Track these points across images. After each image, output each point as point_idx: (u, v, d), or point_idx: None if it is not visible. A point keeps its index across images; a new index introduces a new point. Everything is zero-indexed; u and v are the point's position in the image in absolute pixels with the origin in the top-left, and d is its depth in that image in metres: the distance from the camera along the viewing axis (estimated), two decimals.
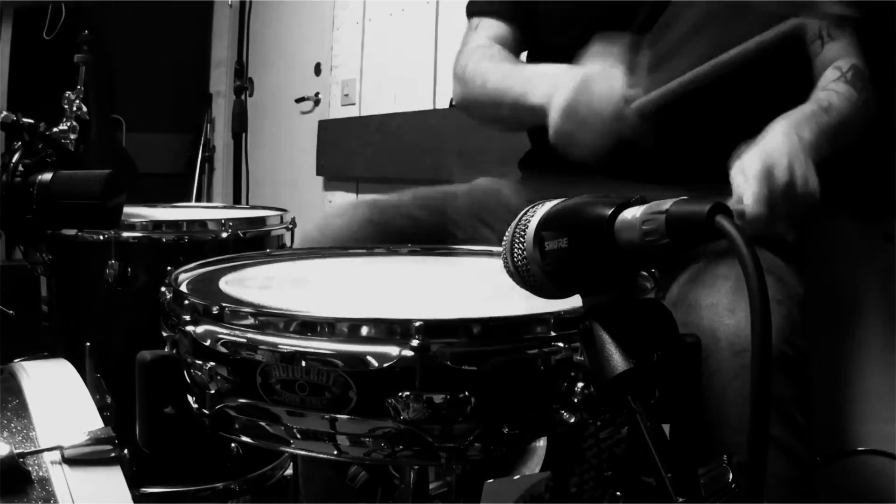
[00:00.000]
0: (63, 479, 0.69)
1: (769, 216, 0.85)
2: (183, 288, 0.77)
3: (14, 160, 0.89)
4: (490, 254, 1.04)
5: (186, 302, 0.70)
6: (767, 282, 0.46)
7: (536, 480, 0.70)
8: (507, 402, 0.62)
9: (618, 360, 0.53)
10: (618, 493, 0.92)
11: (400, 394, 0.59)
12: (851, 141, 1.03)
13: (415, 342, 0.58)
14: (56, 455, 0.71)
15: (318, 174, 2.87)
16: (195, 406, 0.68)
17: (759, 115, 0.97)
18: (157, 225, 1.30)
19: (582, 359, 0.61)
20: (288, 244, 1.47)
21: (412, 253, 1.07)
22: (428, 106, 2.30)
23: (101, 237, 1.26)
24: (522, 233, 0.58)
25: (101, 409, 0.81)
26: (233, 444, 1.30)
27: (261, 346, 0.63)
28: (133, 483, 0.72)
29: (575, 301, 0.59)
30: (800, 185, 0.87)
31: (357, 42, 2.67)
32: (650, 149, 1.05)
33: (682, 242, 0.51)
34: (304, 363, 0.61)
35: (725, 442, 0.85)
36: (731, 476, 0.57)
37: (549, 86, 1.00)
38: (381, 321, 0.61)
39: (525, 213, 0.60)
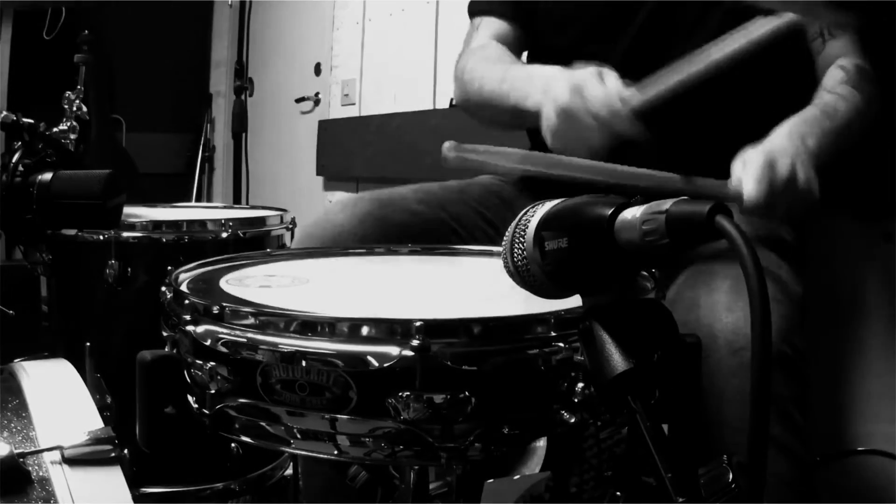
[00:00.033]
0: (63, 479, 0.69)
1: (767, 204, 0.85)
2: (183, 288, 0.77)
3: (14, 160, 0.89)
4: (490, 254, 1.04)
5: (187, 302, 0.70)
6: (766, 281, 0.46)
7: (536, 480, 0.70)
8: (508, 402, 0.62)
9: (618, 360, 0.53)
10: (618, 493, 0.92)
11: (400, 394, 0.59)
12: (853, 142, 1.03)
13: (415, 342, 0.59)
14: (56, 455, 0.71)
15: (318, 174, 2.87)
16: (195, 406, 0.68)
17: (763, 118, 0.97)
18: (157, 225, 1.30)
19: (582, 359, 0.61)
20: (288, 244, 1.47)
21: (412, 253, 1.07)
22: (428, 106, 2.30)
23: (101, 237, 1.26)
24: (522, 233, 0.58)
25: (101, 409, 0.81)
26: (233, 444, 1.30)
27: (261, 346, 0.63)
28: (133, 483, 0.72)
29: (575, 301, 0.59)
30: (801, 181, 0.87)
31: (357, 42, 2.67)
32: (649, 150, 1.06)
33: (683, 242, 0.51)
34: (304, 363, 0.61)
35: (724, 441, 0.85)
36: (731, 476, 0.57)
37: (543, 90, 1.00)
38: (382, 321, 0.61)
39: (525, 213, 0.60)
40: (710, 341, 0.85)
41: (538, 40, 1.26)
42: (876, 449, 1.29)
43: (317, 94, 2.99)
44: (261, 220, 1.42)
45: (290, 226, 1.47)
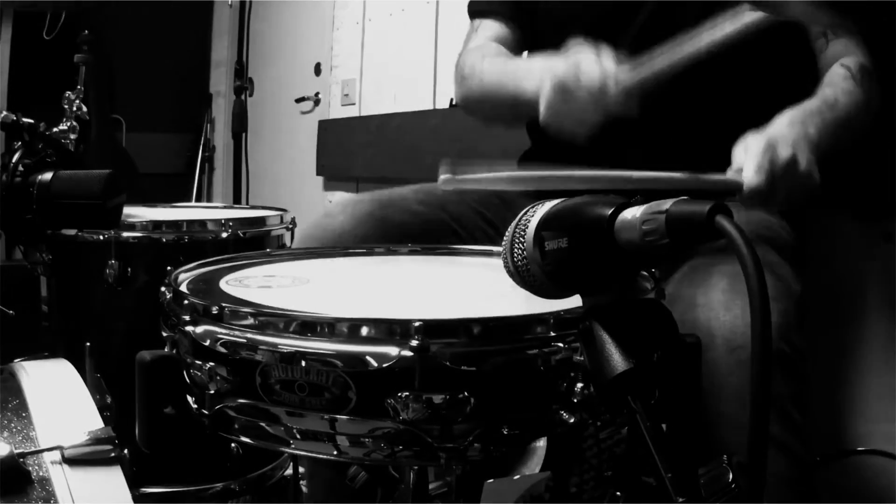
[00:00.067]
0: (63, 479, 0.69)
1: (768, 189, 0.85)
2: (183, 288, 0.77)
3: (14, 160, 0.89)
4: (490, 254, 1.04)
5: (186, 302, 0.70)
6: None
7: (536, 480, 0.70)
8: (507, 402, 0.62)
9: (618, 360, 0.53)
10: (618, 493, 0.92)
11: (399, 394, 0.59)
12: (853, 138, 1.03)
13: (414, 342, 0.58)
14: (56, 455, 0.71)
15: (318, 174, 2.87)
16: (195, 406, 0.68)
17: (764, 106, 0.97)
18: (157, 225, 1.30)
19: (582, 359, 0.61)
20: (288, 244, 1.47)
21: (412, 253, 1.07)
22: (428, 106, 2.30)
23: (101, 237, 1.26)
24: (522, 233, 0.58)
25: (101, 409, 0.81)
26: (232, 445, 1.30)
27: (260, 347, 0.63)
28: (133, 483, 0.72)
29: (575, 301, 0.59)
30: (802, 167, 0.88)
31: (357, 42, 2.67)
32: (641, 130, 1.06)
33: (683, 242, 0.51)
34: (303, 363, 0.61)
35: (722, 438, 0.85)
36: (731, 476, 0.57)
37: (541, 75, 1.01)
38: (381, 321, 0.61)
39: (525, 213, 0.60)
40: (707, 339, 0.85)
41: (538, 41, 1.26)
42: (876, 449, 1.28)
43: (317, 94, 2.99)
44: (261, 220, 1.42)
45: (290, 226, 1.47)
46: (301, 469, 1.23)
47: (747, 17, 0.88)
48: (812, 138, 0.92)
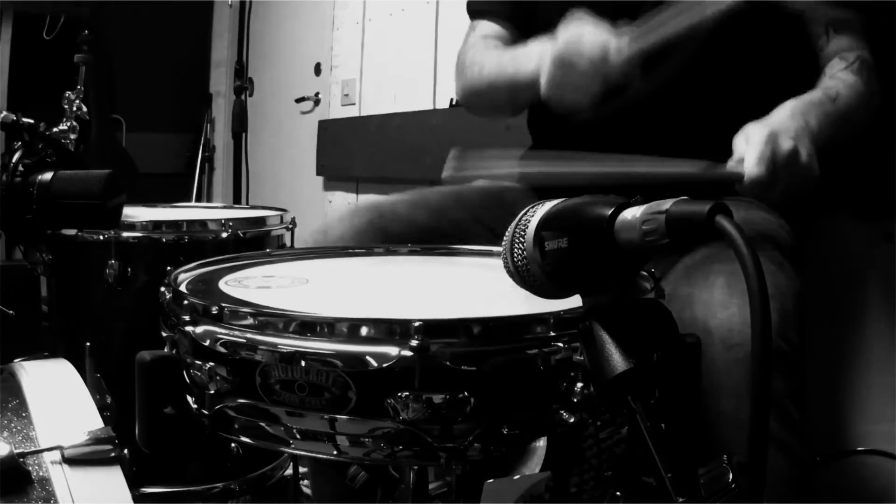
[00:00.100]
0: (63, 479, 0.69)
1: (769, 180, 0.85)
2: (182, 288, 0.77)
3: (14, 160, 0.89)
4: (490, 254, 1.04)
5: (186, 302, 0.70)
6: None
7: (536, 480, 0.70)
8: (507, 402, 0.62)
9: (618, 360, 0.53)
10: (618, 493, 0.92)
11: (399, 394, 0.59)
12: (854, 133, 1.04)
13: (414, 342, 0.58)
14: (56, 455, 0.71)
15: (318, 174, 2.87)
16: (195, 406, 0.68)
17: (764, 97, 0.98)
18: (157, 225, 1.30)
19: (582, 359, 0.61)
20: (288, 244, 1.47)
21: (412, 253, 1.07)
22: (428, 106, 2.30)
23: (101, 237, 1.26)
24: (522, 233, 0.58)
25: (101, 409, 0.80)
26: (232, 445, 1.30)
27: (260, 347, 0.63)
28: (133, 483, 0.72)
29: (575, 301, 0.59)
30: (803, 158, 0.88)
31: (357, 42, 2.67)
32: (641, 121, 1.06)
33: (683, 242, 0.51)
34: (303, 363, 0.61)
35: (719, 436, 0.85)
36: (731, 476, 0.57)
37: (541, 54, 1.03)
38: (381, 321, 0.61)
39: (525, 213, 0.60)
40: (705, 337, 0.85)
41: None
42: (876, 449, 1.28)
43: (317, 94, 2.99)
44: (261, 220, 1.42)
45: (290, 226, 1.47)
46: (301, 469, 1.23)
47: None
48: (813, 130, 0.92)
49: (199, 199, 3.55)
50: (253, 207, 1.74)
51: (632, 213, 0.52)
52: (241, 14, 3.05)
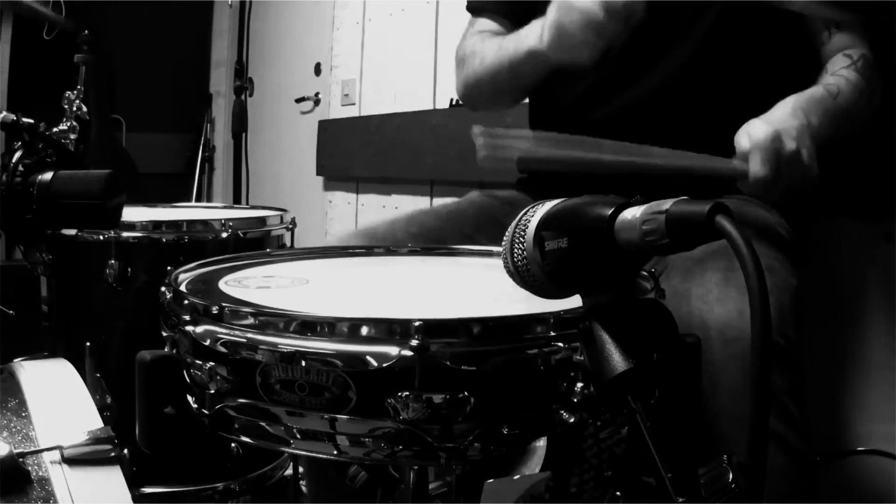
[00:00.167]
0: (63, 479, 0.69)
1: (773, 180, 0.86)
2: (183, 288, 0.77)
3: (14, 160, 0.89)
4: (490, 254, 1.04)
5: (186, 302, 0.70)
6: None
7: (536, 480, 0.70)
8: (507, 402, 0.62)
9: (618, 360, 0.53)
10: (618, 493, 0.92)
11: (399, 394, 0.59)
12: (854, 130, 1.04)
13: (414, 342, 0.58)
14: (56, 455, 0.71)
15: (318, 174, 2.87)
16: (195, 406, 0.68)
17: (765, 93, 0.98)
18: (157, 225, 1.30)
19: (582, 359, 0.61)
20: (288, 244, 1.47)
21: (412, 253, 1.07)
22: (428, 106, 2.30)
23: (101, 237, 1.26)
24: (522, 233, 0.58)
25: (101, 409, 0.81)
26: (233, 444, 1.30)
27: (260, 346, 0.63)
28: (133, 483, 0.72)
29: (575, 301, 0.59)
30: (805, 159, 0.89)
31: (357, 42, 2.67)
32: (644, 116, 1.06)
33: (683, 242, 0.51)
34: (303, 363, 0.61)
35: (717, 432, 0.85)
36: (731, 476, 0.57)
37: (540, 26, 1.04)
38: (381, 321, 0.61)
39: (525, 213, 0.60)
40: (702, 333, 0.86)
41: None
42: (876, 449, 1.28)
43: (317, 94, 2.99)
44: (261, 220, 1.42)
45: (290, 226, 1.47)
46: (301, 469, 1.23)
47: None
48: (814, 127, 0.93)
49: (199, 199, 3.55)
50: (253, 207, 1.74)
51: (632, 213, 0.52)
52: (241, 14, 3.05)
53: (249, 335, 0.64)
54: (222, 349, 0.65)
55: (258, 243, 1.40)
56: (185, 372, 0.68)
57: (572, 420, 0.64)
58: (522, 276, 0.59)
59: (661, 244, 0.51)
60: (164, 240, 1.30)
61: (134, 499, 0.70)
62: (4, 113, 0.93)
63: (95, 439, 0.72)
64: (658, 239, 0.50)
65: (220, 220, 1.33)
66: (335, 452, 0.63)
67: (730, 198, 1.04)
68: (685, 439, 0.76)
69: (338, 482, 0.93)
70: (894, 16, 1.15)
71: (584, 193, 0.58)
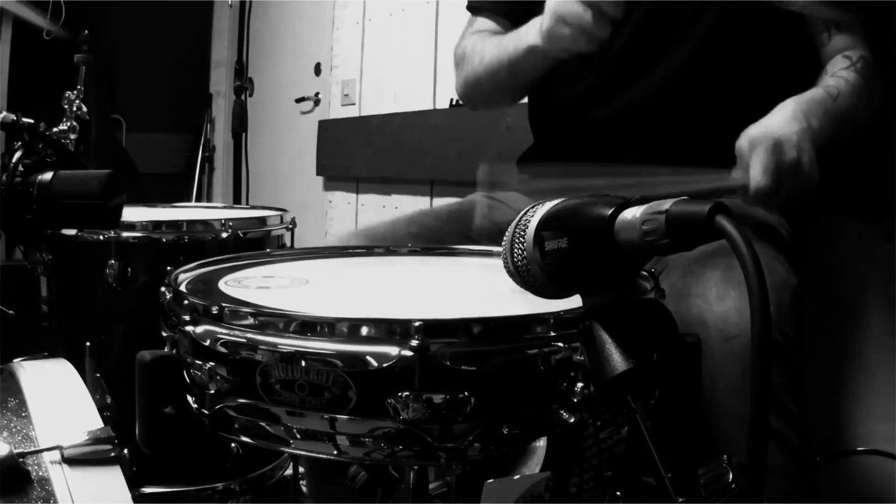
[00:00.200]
0: (63, 479, 0.69)
1: (774, 189, 0.86)
2: (183, 288, 0.77)
3: (14, 160, 0.89)
4: (490, 254, 1.04)
5: (186, 302, 0.70)
6: None
7: (536, 480, 0.70)
8: (507, 402, 0.62)
9: (618, 360, 0.53)
10: (618, 493, 0.92)
11: (399, 394, 0.59)
12: (854, 132, 1.04)
13: (414, 342, 0.58)
14: (56, 455, 0.71)
15: (318, 174, 2.87)
16: (195, 406, 0.68)
17: (764, 96, 0.98)
18: (157, 225, 1.30)
19: (582, 359, 0.61)
20: (288, 244, 1.47)
21: (412, 253, 1.07)
22: (428, 106, 2.30)
23: (101, 237, 1.26)
24: (522, 233, 0.58)
25: (101, 409, 0.81)
26: (233, 444, 1.30)
27: (260, 346, 0.63)
28: (133, 483, 0.73)
29: (575, 301, 0.59)
30: (806, 166, 0.89)
31: (357, 42, 2.67)
32: (644, 122, 1.07)
33: (683, 242, 0.51)
34: (303, 363, 0.61)
35: (716, 429, 0.85)
36: (731, 476, 0.57)
37: (538, 23, 1.05)
38: (381, 321, 0.61)
39: (525, 213, 0.59)
40: (700, 330, 0.86)
41: None
42: (876, 449, 1.28)
43: (317, 94, 2.99)
44: (261, 221, 1.42)
45: (290, 226, 1.47)
46: (301, 469, 1.23)
47: None
48: (815, 130, 0.93)
49: (199, 199, 3.55)
50: (253, 207, 1.74)
51: (632, 213, 0.52)
52: (241, 14, 3.04)
53: (249, 335, 0.64)
54: (222, 349, 0.65)
55: (258, 243, 1.40)
56: (185, 372, 0.68)
57: (572, 420, 0.64)
58: (522, 276, 0.59)
59: (661, 244, 0.51)
60: (164, 240, 1.30)
61: (134, 499, 0.70)
62: (4, 113, 0.93)
63: (95, 439, 0.72)
64: (658, 239, 0.50)
65: (220, 220, 1.33)
66: (335, 452, 0.63)
67: (728, 196, 1.04)
68: (685, 439, 0.76)
69: (338, 482, 0.93)
70: (894, 16, 1.15)
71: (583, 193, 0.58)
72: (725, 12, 1.09)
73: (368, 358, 0.60)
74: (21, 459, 0.69)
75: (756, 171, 0.86)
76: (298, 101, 3.06)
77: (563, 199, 0.58)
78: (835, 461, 1.32)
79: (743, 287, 0.46)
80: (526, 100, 1.33)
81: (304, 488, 1.19)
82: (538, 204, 0.59)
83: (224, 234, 1.31)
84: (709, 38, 1.09)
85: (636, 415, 0.52)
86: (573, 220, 0.56)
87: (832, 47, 1.08)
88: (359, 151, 2.58)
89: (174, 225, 1.31)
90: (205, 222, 1.33)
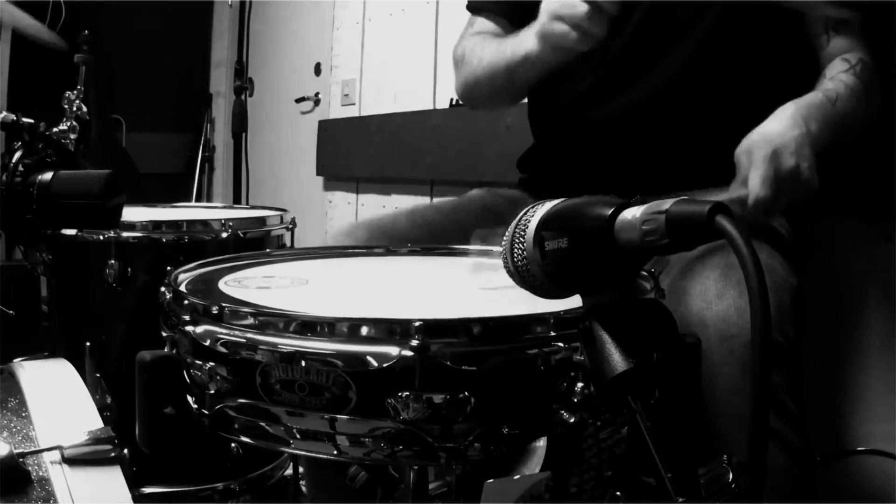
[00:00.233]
0: (63, 479, 0.69)
1: (774, 200, 0.86)
2: (183, 288, 0.77)
3: (14, 160, 0.89)
4: (490, 254, 1.04)
5: (186, 302, 0.70)
6: None
7: (536, 480, 0.70)
8: (507, 402, 0.62)
9: (618, 360, 0.53)
10: (618, 493, 0.92)
11: (399, 394, 0.59)
12: (853, 135, 1.04)
13: (414, 342, 0.58)
14: (56, 455, 0.71)
15: (318, 174, 2.87)
16: (195, 406, 0.68)
17: (764, 93, 0.98)
18: (157, 225, 1.29)
19: (582, 359, 0.61)
20: (288, 244, 1.47)
21: (412, 253, 1.07)
22: (428, 106, 2.30)
23: (101, 237, 1.26)
24: (522, 233, 0.58)
25: (101, 409, 0.81)
26: (233, 444, 1.30)
27: (260, 346, 0.63)
28: (133, 483, 0.73)
29: (575, 301, 0.59)
30: (804, 173, 0.88)
31: (357, 42, 2.67)
32: (644, 132, 1.07)
33: (683, 242, 0.51)
34: (303, 363, 0.61)
35: (715, 429, 0.85)
36: (731, 476, 0.57)
37: (535, 27, 1.05)
38: (381, 321, 0.61)
39: (525, 213, 0.59)
40: (700, 330, 0.86)
41: None
42: (876, 449, 1.28)
43: (317, 94, 2.99)
44: (261, 221, 1.42)
45: (290, 226, 1.47)
46: (301, 469, 1.23)
47: None
48: (814, 135, 0.93)
49: (199, 199, 3.55)
50: (253, 207, 1.74)
51: (632, 213, 0.52)
52: (241, 14, 3.04)
53: (249, 335, 0.64)
54: (222, 349, 0.65)
55: (258, 243, 1.40)
56: (185, 372, 0.68)
57: (572, 420, 0.64)
58: (522, 276, 0.59)
59: (661, 244, 0.51)
60: (164, 240, 1.29)
61: (134, 499, 0.70)
62: (4, 113, 0.93)
63: (95, 439, 0.72)
64: (658, 239, 0.51)
65: (220, 220, 1.33)
66: (335, 452, 0.63)
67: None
68: (685, 439, 0.76)
69: (338, 482, 0.93)
70: (894, 16, 1.15)
71: (584, 193, 0.58)
72: (726, 12, 1.09)
73: (368, 358, 0.60)
74: (21, 459, 0.69)
75: (755, 183, 0.86)
76: (298, 101, 3.06)
77: (563, 199, 0.58)
78: (835, 461, 1.32)
79: (742, 286, 0.46)
80: (526, 100, 1.33)
81: (304, 488, 1.19)
82: (538, 204, 0.59)
83: (224, 234, 1.31)
84: (709, 38, 1.09)
85: (636, 415, 0.52)
86: (573, 220, 0.56)
87: (831, 50, 1.08)
88: (359, 151, 2.58)
89: (174, 225, 1.31)
90: (205, 222, 1.33)
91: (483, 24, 1.27)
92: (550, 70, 1.11)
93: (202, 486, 1.32)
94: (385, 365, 0.59)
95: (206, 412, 0.66)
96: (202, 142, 3.64)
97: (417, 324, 0.59)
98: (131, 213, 1.33)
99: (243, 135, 2.74)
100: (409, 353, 0.59)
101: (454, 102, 2.14)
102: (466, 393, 0.59)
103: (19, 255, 1.45)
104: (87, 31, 2.63)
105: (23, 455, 0.70)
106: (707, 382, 0.85)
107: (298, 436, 0.63)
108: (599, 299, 0.56)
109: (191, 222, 1.33)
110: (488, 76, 1.19)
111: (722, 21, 1.09)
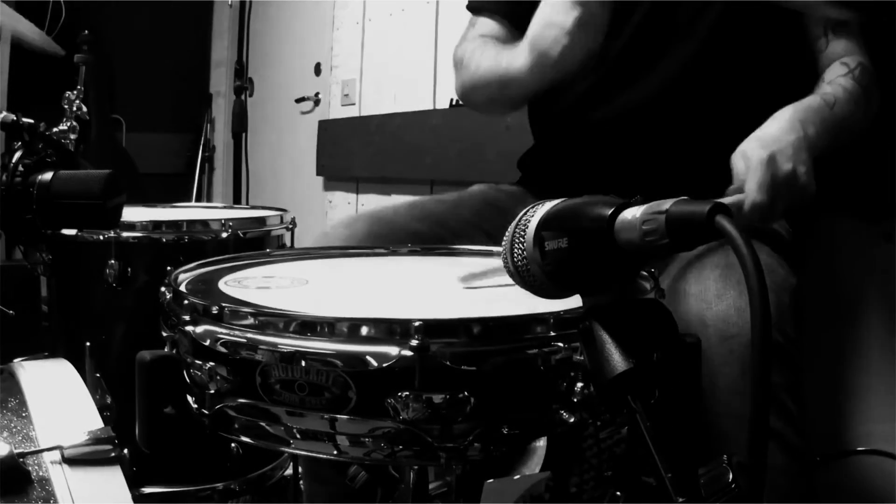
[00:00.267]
0: (63, 479, 0.69)
1: (770, 205, 0.86)
2: (183, 288, 0.77)
3: (14, 160, 0.89)
4: (490, 254, 1.04)
5: (186, 302, 0.70)
6: None
7: (536, 480, 0.70)
8: (507, 402, 0.62)
9: (618, 360, 0.53)
10: (618, 493, 0.92)
11: (399, 394, 0.59)
12: (851, 139, 1.04)
13: (414, 342, 0.58)
14: (56, 455, 0.71)
15: (318, 174, 2.87)
16: (195, 406, 0.68)
17: (762, 96, 0.98)
18: (157, 225, 1.30)
19: (582, 359, 0.61)
20: (288, 244, 1.47)
21: (412, 253, 1.07)
22: (428, 106, 2.30)
23: (101, 237, 1.26)
24: (522, 233, 0.58)
25: (101, 409, 0.81)
26: (233, 444, 1.30)
27: (260, 346, 0.63)
28: (133, 483, 0.73)
29: (575, 301, 0.59)
30: (801, 177, 0.88)
31: (357, 42, 2.67)
32: (642, 136, 1.07)
33: (683, 242, 0.51)
34: (303, 363, 0.61)
35: (715, 428, 0.85)
36: (731, 476, 0.57)
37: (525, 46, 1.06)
38: (381, 321, 0.61)
39: (525, 213, 0.60)
40: (700, 330, 0.86)
41: None
42: (876, 449, 1.28)
43: (317, 94, 2.99)
44: (261, 221, 1.42)
45: (290, 226, 1.47)
46: (301, 469, 1.23)
47: None
48: (811, 139, 0.92)
49: (199, 199, 3.55)
50: (253, 207, 1.74)
51: (632, 214, 0.52)
52: (241, 14, 3.04)
53: (249, 335, 0.64)
54: (222, 349, 0.65)
55: (258, 243, 1.40)
56: (185, 372, 0.68)
57: (572, 420, 0.64)
58: (522, 276, 0.59)
59: (661, 244, 0.51)
60: (164, 240, 1.30)
61: (134, 499, 0.70)
62: (4, 113, 0.93)
63: (95, 439, 0.72)
64: (658, 239, 0.51)
65: (220, 220, 1.33)
66: (335, 452, 0.63)
67: None
68: (685, 439, 0.76)
69: (337, 482, 0.93)
70: (894, 16, 1.15)
71: (584, 193, 0.58)
72: (726, 13, 1.09)
73: (368, 358, 0.60)
74: (21, 459, 0.70)
75: (751, 188, 0.86)
76: (298, 101, 3.06)
77: (563, 199, 0.58)
78: (835, 461, 1.32)
79: (742, 286, 0.46)
80: None
81: (303, 488, 1.19)
82: (538, 204, 0.59)
83: (224, 234, 1.31)
84: (709, 38, 1.10)
85: (636, 415, 0.52)
86: (573, 220, 0.56)
87: (830, 53, 1.08)
88: (359, 151, 2.58)
89: (174, 225, 1.31)
90: (205, 222, 1.33)
91: (484, 24, 1.27)
92: (543, 88, 1.10)
93: (202, 486, 1.32)
94: (385, 365, 0.59)
95: (206, 412, 0.66)
96: (202, 142, 3.64)
97: (417, 324, 0.59)
98: (131, 213, 1.33)
99: (243, 135, 2.74)
100: (408, 353, 0.59)
101: (454, 102, 2.14)
102: (466, 393, 0.59)
103: (19, 255, 1.45)
104: (86, 32, 2.63)
105: (23, 455, 0.70)
106: (707, 382, 0.85)
107: (298, 436, 0.63)
108: (599, 299, 0.56)
109: (191, 222, 1.33)
110: (483, 85, 1.19)
111: (722, 21, 1.09)
